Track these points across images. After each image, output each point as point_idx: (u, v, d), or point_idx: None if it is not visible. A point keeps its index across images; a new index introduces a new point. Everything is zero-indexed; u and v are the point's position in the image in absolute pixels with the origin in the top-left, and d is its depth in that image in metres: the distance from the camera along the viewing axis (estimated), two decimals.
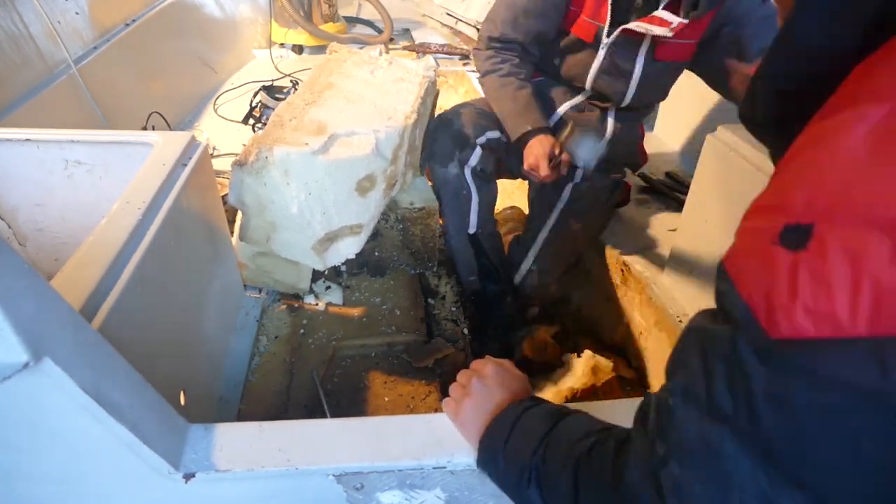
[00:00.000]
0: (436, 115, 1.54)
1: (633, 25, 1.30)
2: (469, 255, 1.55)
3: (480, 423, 0.69)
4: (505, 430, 0.66)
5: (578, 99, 1.52)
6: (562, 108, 1.54)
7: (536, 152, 1.37)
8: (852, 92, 0.38)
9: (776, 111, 0.47)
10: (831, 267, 0.33)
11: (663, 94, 1.56)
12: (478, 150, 1.42)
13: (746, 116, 0.51)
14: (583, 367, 1.39)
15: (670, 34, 1.29)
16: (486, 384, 0.73)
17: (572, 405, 0.74)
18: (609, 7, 1.33)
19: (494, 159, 1.46)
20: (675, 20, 1.27)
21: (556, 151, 1.36)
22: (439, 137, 1.45)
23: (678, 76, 1.49)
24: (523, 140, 1.41)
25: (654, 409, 0.47)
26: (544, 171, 1.36)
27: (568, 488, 0.56)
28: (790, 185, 0.38)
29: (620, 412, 0.73)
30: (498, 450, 0.65)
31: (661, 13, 1.30)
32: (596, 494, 0.53)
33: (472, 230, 1.50)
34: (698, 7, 1.27)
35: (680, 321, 1.39)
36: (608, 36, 1.35)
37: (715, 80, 1.43)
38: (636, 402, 0.65)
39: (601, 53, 1.39)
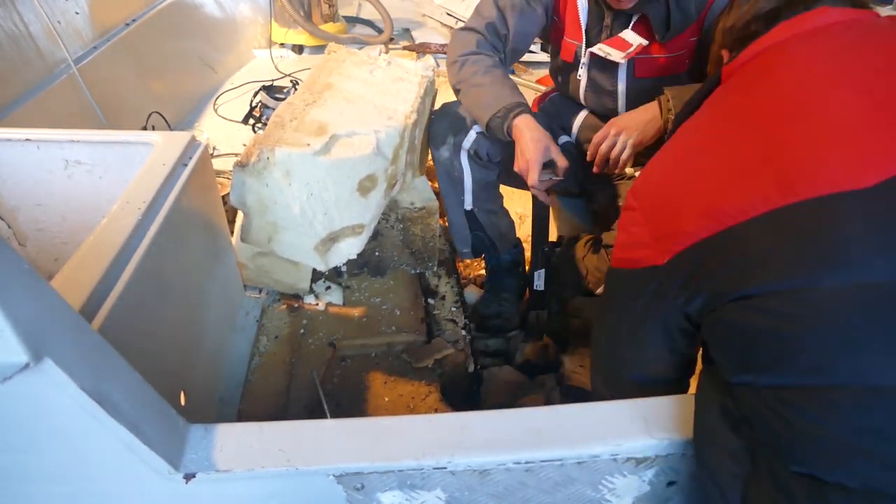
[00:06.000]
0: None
1: (596, 49, 1.29)
2: (464, 228, 1.54)
3: None
4: None
5: (582, 115, 1.51)
6: (575, 124, 1.53)
7: (525, 146, 1.23)
8: None
9: None
10: None
11: None
12: (472, 134, 1.39)
13: None
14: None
15: (623, 60, 1.27)
16: None
17: None
18: (583, 28, 1.32)
19: (497, 149, 1.43)
20: (636, 42, 1.25)
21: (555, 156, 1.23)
22: (437, 121, 1.44)
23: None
24: (497, 125, 1.26)
25: None
26: (534, 176, 1.23)
27: None
28: None
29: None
30: None
31: (626, 34, 1.27)
32: None
33: (467, 207, 1.49)
34: (670, 26, 1.23)
35: None
36: (585, 56, 1.36)
37: None
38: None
39: (582, 73, 1.39)
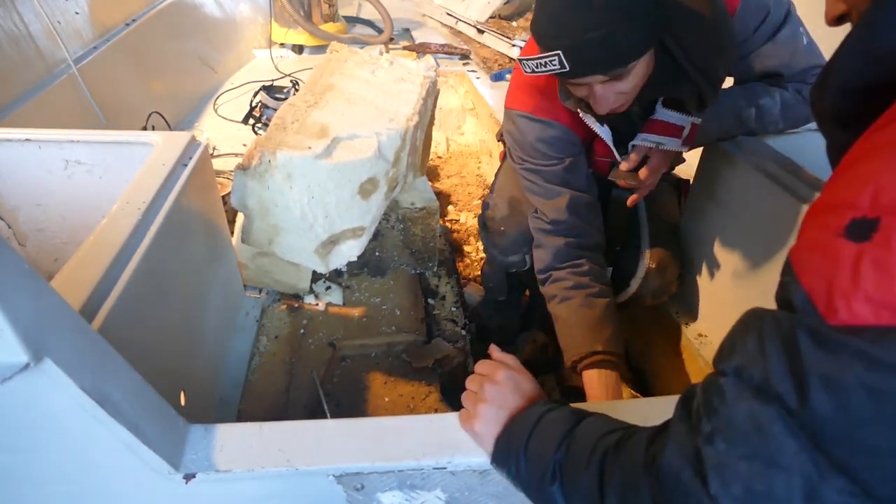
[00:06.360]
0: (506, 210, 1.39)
1: (641, 141, 1.13)
2: (502, 281, 1.56)
3: (497, 427, 0.70)
4: (526, 429, 0.66)
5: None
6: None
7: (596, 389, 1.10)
8: None
9: (844, 106, 0.47)
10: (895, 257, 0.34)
11: None
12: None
13: (814, 105, 0.51)
14: None
15: (686, 149, 1.14)
16: (500, 389, 0.73)
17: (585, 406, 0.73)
18: (611, 145, 1.16)
19: None
20: (686, 122, 1.10)
21: None
22: (507, 231, 1.37)
23: None
24: (578, 368, 1.14)
25: (701, 390, 0.47)
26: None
27: (592, 482, 0.55)
28: (858, 184, 0.38)
29: (633, 412, 0.73)
30: (518, 448, 0.65)
31: (665, 115, 1.10)
32: (623, 484, 0.53)
33: (511, 270, 1.47)
34: (706, 102, 1.04)
35: (679, 318, 1.39)
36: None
37: None
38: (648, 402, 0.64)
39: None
